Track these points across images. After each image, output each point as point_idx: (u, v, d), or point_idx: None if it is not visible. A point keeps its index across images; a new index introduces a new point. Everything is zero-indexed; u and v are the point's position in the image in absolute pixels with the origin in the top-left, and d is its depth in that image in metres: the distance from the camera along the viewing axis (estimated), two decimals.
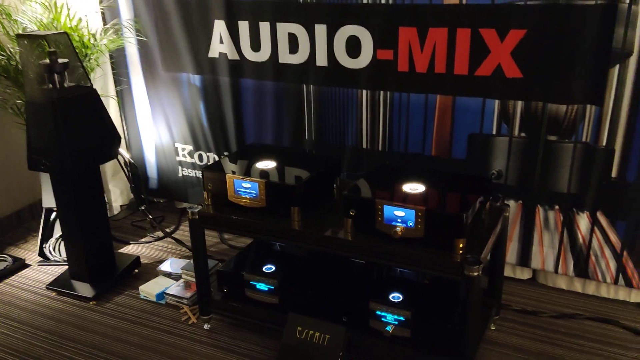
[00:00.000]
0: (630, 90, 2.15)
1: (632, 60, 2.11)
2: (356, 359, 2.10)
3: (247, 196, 2.12)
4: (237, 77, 2.91)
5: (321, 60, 2.67)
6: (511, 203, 2.52)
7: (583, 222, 2.41)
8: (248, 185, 2.11)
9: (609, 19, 2.10)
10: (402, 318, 1.99)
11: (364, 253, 1.95)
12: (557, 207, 2.44)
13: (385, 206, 1.89)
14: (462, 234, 1.81)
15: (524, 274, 2.67)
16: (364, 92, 2.64)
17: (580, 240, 2.44)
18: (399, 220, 1.88)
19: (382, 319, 2.03)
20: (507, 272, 2.67)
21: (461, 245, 1.82)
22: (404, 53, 2.48)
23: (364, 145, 2.75)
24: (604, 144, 2.26)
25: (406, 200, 1.91)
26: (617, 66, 2.14)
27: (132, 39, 3.09)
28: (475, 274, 1.76)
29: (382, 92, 2.61)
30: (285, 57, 2.74)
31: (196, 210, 2.18)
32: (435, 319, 1.97)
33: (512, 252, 2.60)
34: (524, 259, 2.59)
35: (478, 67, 2.37)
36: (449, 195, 2.05)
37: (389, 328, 2.01)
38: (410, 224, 1.86)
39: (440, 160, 2.60)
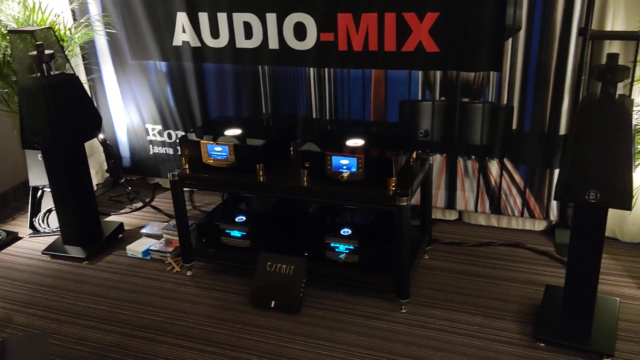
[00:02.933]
0: (522, 58, 2.70)
1: (522, 34, 2.67)
2: (317, 284, 2.59)
3: (219, 158, 2.56)
4: (200, 62, 3.32)
5: (273, 44, 3.11)
6: (437, 156, 3.05)
7: (494, 168, 2.97)
8: (219, 148, 2.54)
9: (502, 1, 2.64)
10: (351, 247, 2.49)
11: (318, 196, 2.44)
12: (473, 157, 2.99)
13: (333, 157, 2.37)
14: (393, 174, 2.32)
15: (452, 216, 3.22)
16: (311, 69, 3.11)
17: (493, 183, 3.00)
18: (345, 167, 2.36)
19: (336, 250, 2.52)
20: (438, 214, 3.22)
21: (393, 184, 2.33)
22: (342, 35, 2.96)
23: (314, 115, 3.22)
24: (505, 102, 2.82)
25: (348, 152, 2.40)
26: (511, 39, 2.69)
27: (102, 31, 3.43)
28: (404, 203, 2.28)
29: (326, 69, 3.08)
30: (241, 42, 3.17)
31: (176, 173, 2.61)
32: (377, 245, 2.47)
33: (440, 198, 3.14)
34: (451, 202, 3.13)
35: (403, 45, 2.87)
36: (382, 147, 2.55)
37: (342, 256, 2.50)
38: (354, 169, 2.35)
39: (379, 123, 3.10)
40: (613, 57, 1.88)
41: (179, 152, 2.66)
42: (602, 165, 1.93)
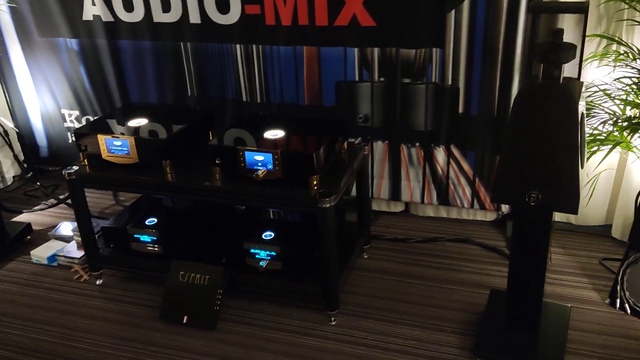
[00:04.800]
0: (466, 33, 2.39)
1: (465, 5, 2.34)
2: (238, 294, 2.30)
3: (120, 153, 2.22)
4: (114, 38, 2.94)
5: (194, 17, 2.74)
6: (379, 144, 2.75)
7: (440, 155, 2.68)
8: (119, 143, 2.20)
9: None
10: (273, 253, 2.19)
11: (231, 197, 2.12)
12: (417, 144, 2.69)
13: (246, 152, 2.05)
14: (315, 171, 2.01)
15: (398, 207, 2.94)
16: (238, 46, 2.76)
17: (440, 172, 2.72)
18: (260, 164, 2.05)
19: (257, 256, 2.22)
20: (382, 207, 2.94)
21: (315, 182, 2.02)
22: (269, 7, 2.60)
23: (244, 98, 2.88)
24: (450, 83, 2.51)
25: (264, 146, 2.08)
26: (453, 11, 2.37)
27: (4, 5, 3.02)
28: (328, 205, 1.98)
29: (254, 46, 2.73)
30: (159, 16, 2.79)
31: (72, 171, 2.26)
32: (301, 250, 2.18)
33: (384, 188, 2.85)
34: (395, 193, 2.85)
35: (336, 18, 2.53)
36: (305, 138, 2.23)
37: (263, 263, 2.20)
38: (270, 166, 2.04)
39: (314, 107, 2.78)
40: (557, 33, 1.57)
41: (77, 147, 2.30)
42: (544, 162, 1.64)
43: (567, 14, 1.87)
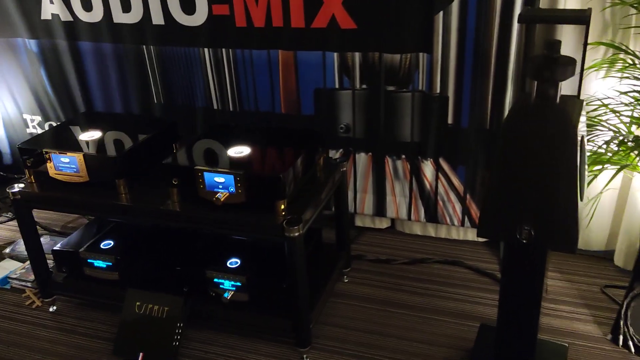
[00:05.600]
0: (456, 36, 2.15)
1: (455, 6, 2.11)
2: (203, 324, 2.09)
3: (68, 171, 1.99)
4: (74, 39, 2.70)
5: (157, 18, 2.50)
6: (362, 155, 2.52)
7: (428, 169, 2.45)
8: (67, 159, 1.97)
9: None
10: (238, 283, 1.97)
11: (190, 222, 1.90)
12: (403, 156, 2.47)
13: (205, 173, 1.82)
14: (282, 195, 1.79)
15: (383, 224, 2.72)
16: (206, 50, 2.52)
17: (428, 187, 2.49)
18: (220, 186, 1.82)
19: (221, 286, 2.00)
20: (367, 222, 2.72)
21: (282, 207, 1.80)
22: (239, 7, 2.37)
23: (215, 106, 2.65)
24: (438, 91, 2.28)
25: (227, 165, 1.85)
26: (442, 12, 2.13)
27: None
28: (296, 234, 1.75)
29: (223, 50, 2.50)
30: (119, 16, 2.56)
31: (16, 190, 2.04)
32: (269, 281, 1.96)
33: (368, 203, 2.62)
34: (380, 209, 2.62)
35: (314, 19, 2.30)
36: (274, 155, 2.01)
37: (227, 295, 1.98)
38: (232, 189, 1.81)
39: (291, 117, 2.55)
40: (553, 46, 1.34)
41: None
42: (537, 193, 1.42)
43: (557, 24, 1.62)
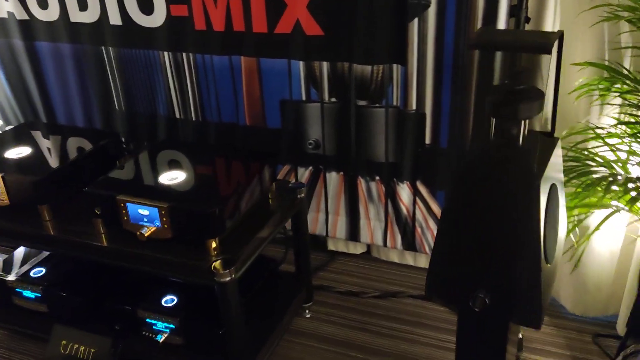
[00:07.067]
0: (433, 46, 1.87)
1: (431, 12, 1.83)
2: None
3: None
4: (31, 39, 2.51)
5: (114, 18, 2.28)
6: (332, 175, 2.27)
7: (404, 192, 2.18)
8: None
9: None
10: (172, 325, 1.75)
11: (115, 258, 1.68)
12: (377, 177, 2.21)
13: (128, 204, 1.60)
14: (214, 233, 1.55)
15: (358, 249, 2.46)
16: (166, 53, 2.30)
17: (405, 212, 2.23)
18: (145, 219, 1.60)
19: (154, 327, 1.78)
20: (341, 246, 2.47)
21: (214, 245, 1.57)
22: (198, 8, 2.13)
23: (177, 115, 2.42)
24: (414, 107, 2.00)
25: (153, 195, 1.63)
26: (416, 19, 1.85)
27: None
28: (228, 278, 1.52)
29: (184, 54, 2.27)
30: (76, 15, 2.35)
31: None
32: (205, 325, 1.73)
33: (341, 226, 2.37)
34: (354, 233, 2.37)
35: (277, 24, 2.04)
36: (215, 183, 1.77)
37: (160, 337, 1.77)
38: (157, 223, 1.59)
39: (257, 130, 2.31)
40: (516, 76, 1.07)
41: None
42: (492, 254, 1.16)
43: (527, 52, 1.30)
